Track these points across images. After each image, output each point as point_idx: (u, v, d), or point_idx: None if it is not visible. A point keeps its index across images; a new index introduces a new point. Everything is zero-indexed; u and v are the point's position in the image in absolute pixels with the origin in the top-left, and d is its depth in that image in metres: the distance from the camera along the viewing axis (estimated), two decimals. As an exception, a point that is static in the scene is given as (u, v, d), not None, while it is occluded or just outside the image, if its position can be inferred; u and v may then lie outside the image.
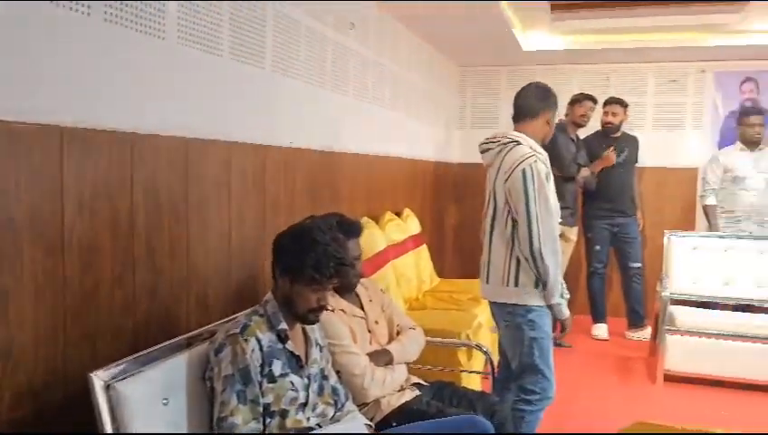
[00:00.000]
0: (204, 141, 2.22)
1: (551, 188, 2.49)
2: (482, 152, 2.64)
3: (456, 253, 5.58)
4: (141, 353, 1.72)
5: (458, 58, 5.68)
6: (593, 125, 4.86)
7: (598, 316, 4.97)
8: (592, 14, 4.39)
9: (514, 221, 2.46)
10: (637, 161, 5.04)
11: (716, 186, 4.68)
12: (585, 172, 4.60)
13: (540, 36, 5.04)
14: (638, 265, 4.90)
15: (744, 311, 4.34)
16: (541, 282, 2.44)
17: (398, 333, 2.54)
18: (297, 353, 1.87)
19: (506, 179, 2.46)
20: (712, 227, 4.68)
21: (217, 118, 2.32)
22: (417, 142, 4.89)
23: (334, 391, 2.03)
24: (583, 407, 3.57)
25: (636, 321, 4.92)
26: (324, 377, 1.99)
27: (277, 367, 1.80)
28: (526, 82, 2.70)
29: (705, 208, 4.75)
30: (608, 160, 4.68)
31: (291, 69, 2.80)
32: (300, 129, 2.94)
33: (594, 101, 4.68)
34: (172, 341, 1.85)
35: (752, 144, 4.60)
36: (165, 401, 1.70)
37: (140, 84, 1.92)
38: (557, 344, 4.74)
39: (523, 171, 2.41)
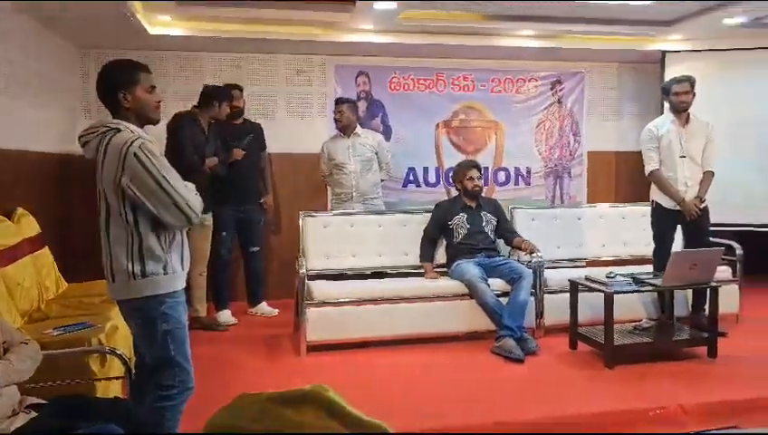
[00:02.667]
0: None
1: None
2: (82, 146, 2.38)
3: (90, 253, 5.03)
4: None
5: (78, 40, 5.16)
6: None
7: (221, 303, 5.03)
8: (213, 3, 4.40)
9: (134, 210, 2.31)
10: (265, 148, 5.29)
11: (327, 172, 5.23)
12: (212, 162, 4.63)
13: (167, 21, 4.88)
14: (257, 248, 5.20)
15: (379, 277, 4.84)
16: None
17: (5, 352, 2.20)
18: None
19: (121, 172, 2.24)
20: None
21: None
22: (31, 132, 4.29)
23: None
24: (231, 391, 3.59)
25: (254, 299, 5.26)
26: None
27: None
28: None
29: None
30: (235, 156, 4.85)
31: None
32: None
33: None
34: None
35: (343, 129, 5.17)
36: None
37: None
38: (212, 328, 4.76)
39: (135, 155, 2.24)
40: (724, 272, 4.77)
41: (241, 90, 5.10)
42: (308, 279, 4.44)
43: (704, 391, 3.44)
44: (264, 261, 5.38)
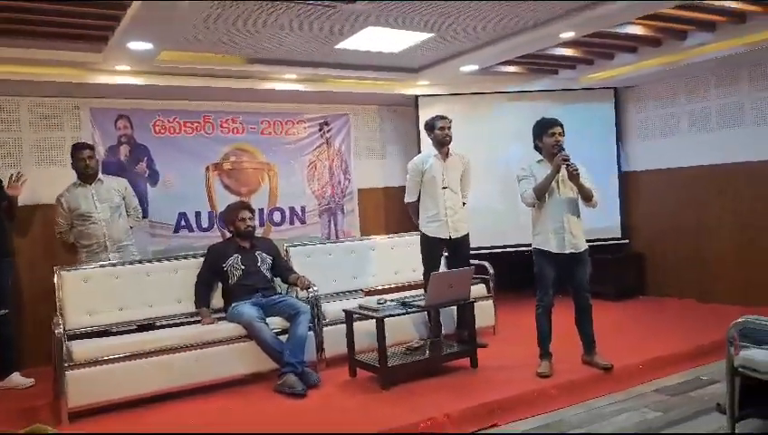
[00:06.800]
0: None
1: None
2: None
3: None
4: None
5: None
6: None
7: None
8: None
9: None
10: (6, 199, 4.76)
11: (66, 226, 4.83)
12: None
13: None
14: (5, 311, 4.65)
15: (148, 329, 4.53)
16: None
17: None
18: None
19: None
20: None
21: None
22: None
23: None
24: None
25: (3, 370, 4.65)
26: None
27: None
28: None
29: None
30: None
31: None
32: None
33: None
34: None
35: (90, 177, 4.83)
36: None
37: None
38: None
39: None
40: (480, 289, 5.31)
41: None
42: (67, 340, 4.03)
43: (466, 398, 3.76)
44: (14, 325, 4.77)
